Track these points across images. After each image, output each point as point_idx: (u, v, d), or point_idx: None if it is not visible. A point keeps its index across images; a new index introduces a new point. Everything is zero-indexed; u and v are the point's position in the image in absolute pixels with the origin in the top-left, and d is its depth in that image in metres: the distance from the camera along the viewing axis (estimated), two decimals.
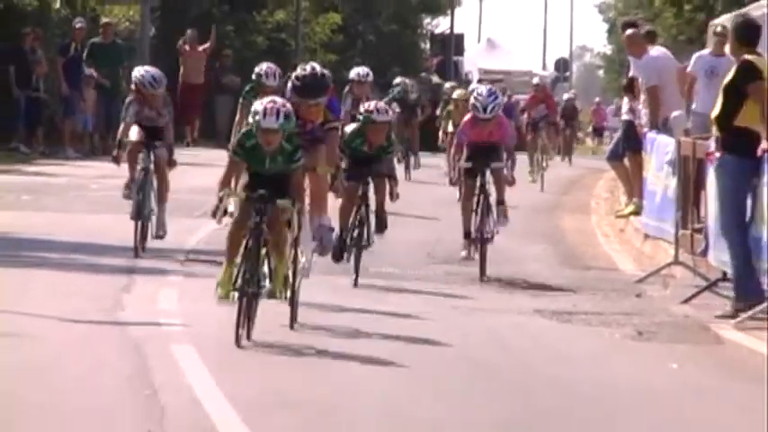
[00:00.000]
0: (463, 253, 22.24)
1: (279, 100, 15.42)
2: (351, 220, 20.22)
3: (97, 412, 13.68)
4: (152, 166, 21.55)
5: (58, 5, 42.41)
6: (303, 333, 16.31)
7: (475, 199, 22.09)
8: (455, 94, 38.54)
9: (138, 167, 21.49)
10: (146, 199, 21.60)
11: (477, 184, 22.08)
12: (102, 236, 24.30)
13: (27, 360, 15.93)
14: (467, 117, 22.64)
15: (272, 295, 15.34)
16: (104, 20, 42.60)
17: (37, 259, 23.22)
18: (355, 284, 19.74)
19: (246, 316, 14.98)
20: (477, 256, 22.04)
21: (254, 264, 15.16)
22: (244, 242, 15.24)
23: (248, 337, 14.95)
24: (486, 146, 21.88)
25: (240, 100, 25.50)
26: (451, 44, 61.64)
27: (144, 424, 13.21)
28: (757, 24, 21.22)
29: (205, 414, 13.29)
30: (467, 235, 22.31)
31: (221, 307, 17.71)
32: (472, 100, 22.12)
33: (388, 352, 16.34)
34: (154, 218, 22.33)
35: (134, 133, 21.30)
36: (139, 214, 21.47)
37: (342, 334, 16.81)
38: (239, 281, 15.10)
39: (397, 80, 41.80)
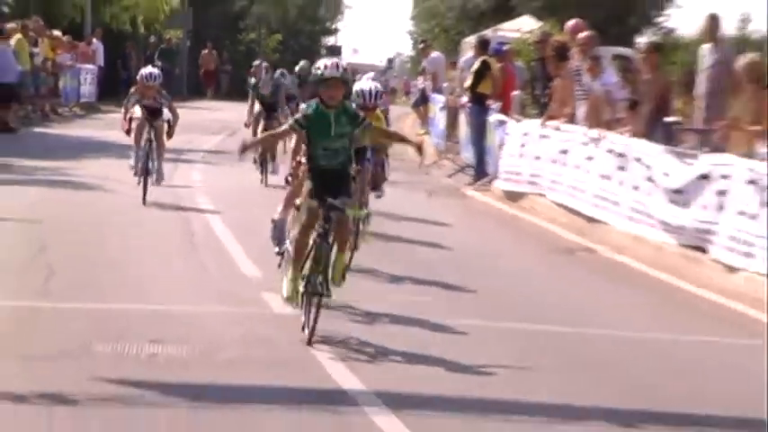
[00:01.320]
0: None
1: (336, 59, 14.57)
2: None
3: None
4: (153, 135, 23.79)
5: (141, 29, 61.31)
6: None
7: None
8: None
9: (144, 138, 23.68)
10: (148, 161, 23.79)
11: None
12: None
13: None
14: None
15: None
16: (167, 36, 63.84)
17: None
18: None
19: (314, 320, 13.64)
20: None
21: (324, 270, 13.96)
22: (310, 246, 14.05)
23: (310, 341, 13.49)
24: None
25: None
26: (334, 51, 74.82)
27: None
28: (487, 39, 33.53)
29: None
30: None
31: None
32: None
33: None
34: (154, 174, 24.23)
35: (138, 112, 23.57)
36: (144, 178, 23.57)
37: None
38: (308, 287, 13.88)
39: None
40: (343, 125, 13.90)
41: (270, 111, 30.08)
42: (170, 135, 23.78)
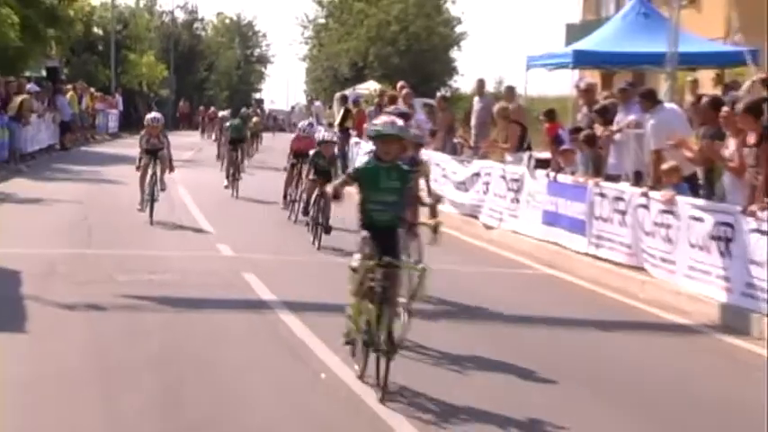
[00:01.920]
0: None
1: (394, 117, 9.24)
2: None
3: None
4: (158, 169, 18.75)
5: (145, 89, 60.01)
6: None
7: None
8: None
9: (149, 174, 18.63)
10: (153, 191, 18.57)
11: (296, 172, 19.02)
12: None
13: None
14: (294, 136, 20.27)
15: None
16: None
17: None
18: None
19: (384, 378, 8.31)
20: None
21: (386, 327, 8.39)
22: (371, 305, 8.46)
23: (383, 399, 8.14)
24: (304, 152, 18.33)
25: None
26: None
27: None
28: (347, 95, 35.05)
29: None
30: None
31: None
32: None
33: None
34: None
35: (145, 157, 18.86)
36: (150, 204, 18.43)
37: None
38: (370, 344, 8.59)
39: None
40: (393, 179, 8.75)
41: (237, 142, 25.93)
42: (171, 168, 19.28)
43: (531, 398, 8.54)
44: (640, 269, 14.11)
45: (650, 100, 14.85)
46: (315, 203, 16.57)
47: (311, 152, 17.55)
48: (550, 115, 18.44)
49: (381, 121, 9.07)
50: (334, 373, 8.87)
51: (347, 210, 9.70)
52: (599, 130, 16.18)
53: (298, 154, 19.35)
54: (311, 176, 16.99)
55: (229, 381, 8.63)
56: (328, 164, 17.03)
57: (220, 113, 39.06)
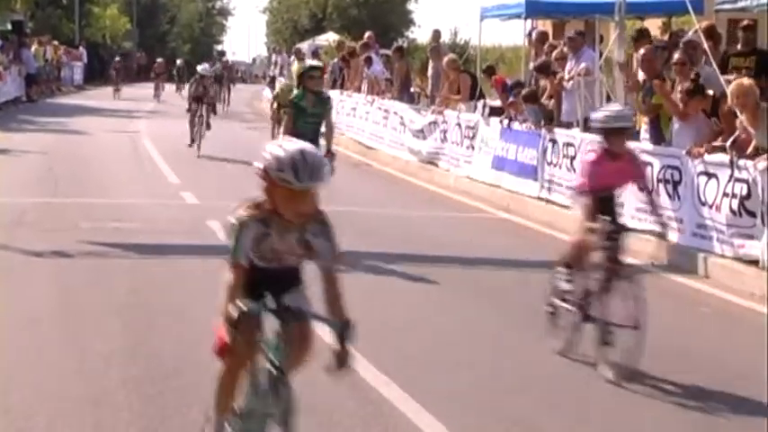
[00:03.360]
0: None
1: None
2: None
3: None
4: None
5: (108, 41, 58.76)
6: None
7: None
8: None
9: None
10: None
11: None
12: None
13: None
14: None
15: None
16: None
17: None
18: None
19: None
20: None
21: None
22: None
23: None
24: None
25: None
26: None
27: None
28: (301, 48, 34.72)
29: None
30: None
31: None
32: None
33: None
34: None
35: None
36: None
37: None
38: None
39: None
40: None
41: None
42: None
43: (493, 337, 8.54)
44: None
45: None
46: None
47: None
48: (490, 71, 18.41)
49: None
50: None
51: None
52: (543, 83, 16.06)
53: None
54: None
55: (195, 327, 8.42)
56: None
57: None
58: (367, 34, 27.63)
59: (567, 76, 15.80)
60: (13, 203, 14.00)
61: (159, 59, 45.82)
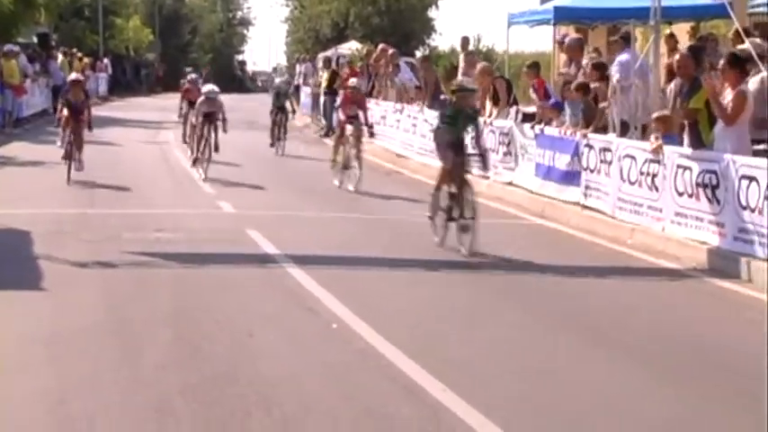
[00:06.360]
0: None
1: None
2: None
3: None
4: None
5: (132, 53, 58.98)
6: None
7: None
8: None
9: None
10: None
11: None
12: None
13: None
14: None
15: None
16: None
17: None
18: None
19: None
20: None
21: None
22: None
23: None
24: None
25: None
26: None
27: None
28: (330, 57, 34.82)
29: None
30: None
31: None
32: None
33: None
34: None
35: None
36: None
37: None
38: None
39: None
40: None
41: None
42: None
43: (528, 343, 8.57)
44: (629, 217, 14.08)
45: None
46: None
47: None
48: (536, 68, 18.33)
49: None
50: (346, 324, 8.81)
51: None
52: (594, 85, 16.03)
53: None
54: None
55: (243, 333, 8.59)
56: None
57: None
58: (380, 46, 27.62)
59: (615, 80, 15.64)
60: (50, 214, 14.06)
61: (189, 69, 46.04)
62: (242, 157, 21.66)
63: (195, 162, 18.95)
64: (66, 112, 18.26)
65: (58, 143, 18.35)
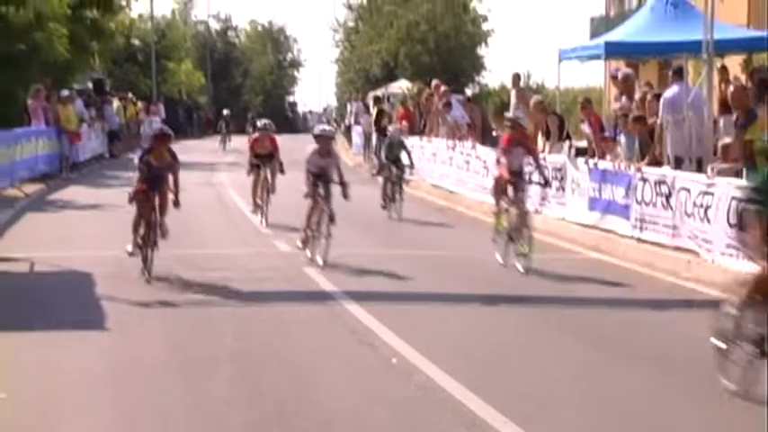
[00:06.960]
0: None
1: None
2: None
3: None
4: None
5: (185, 97, 60.79)
6: None
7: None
8: None
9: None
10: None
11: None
12: None
13: None
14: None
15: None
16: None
17: None
18: None
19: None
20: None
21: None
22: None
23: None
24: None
25: None
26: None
27: None
28: (380, 96, 34.98)
29: None
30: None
31: None
32: None
33: None
34: None
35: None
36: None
37: None
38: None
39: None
40: None
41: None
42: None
43: (591, 376, 8.53)
44: (684, 249, 14.04)
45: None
46: None
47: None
48: (590, 103, 18.42)
49: None
50: (405, 358, 8.86)
51: None
52: (651, 118, 16.08)
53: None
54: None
55: (304, 368, 8.66)
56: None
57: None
58: (434, 83, 27.71)
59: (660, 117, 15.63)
60: (111, 256, 14.17)
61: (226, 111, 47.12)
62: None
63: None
64: (142, 183, 13.15)
65: (129, 248, 13.08)
